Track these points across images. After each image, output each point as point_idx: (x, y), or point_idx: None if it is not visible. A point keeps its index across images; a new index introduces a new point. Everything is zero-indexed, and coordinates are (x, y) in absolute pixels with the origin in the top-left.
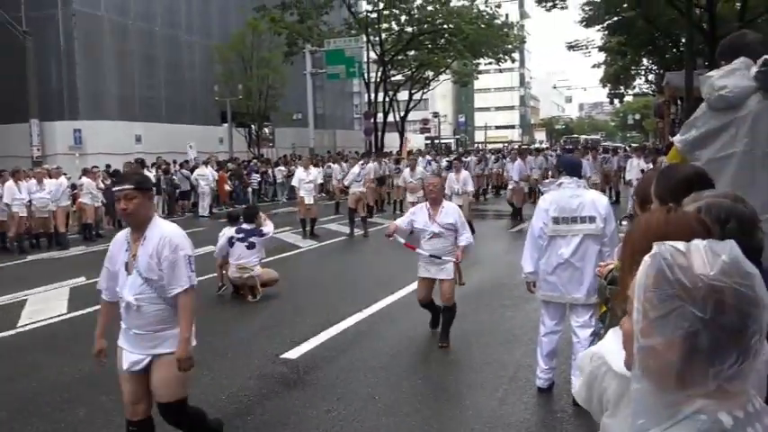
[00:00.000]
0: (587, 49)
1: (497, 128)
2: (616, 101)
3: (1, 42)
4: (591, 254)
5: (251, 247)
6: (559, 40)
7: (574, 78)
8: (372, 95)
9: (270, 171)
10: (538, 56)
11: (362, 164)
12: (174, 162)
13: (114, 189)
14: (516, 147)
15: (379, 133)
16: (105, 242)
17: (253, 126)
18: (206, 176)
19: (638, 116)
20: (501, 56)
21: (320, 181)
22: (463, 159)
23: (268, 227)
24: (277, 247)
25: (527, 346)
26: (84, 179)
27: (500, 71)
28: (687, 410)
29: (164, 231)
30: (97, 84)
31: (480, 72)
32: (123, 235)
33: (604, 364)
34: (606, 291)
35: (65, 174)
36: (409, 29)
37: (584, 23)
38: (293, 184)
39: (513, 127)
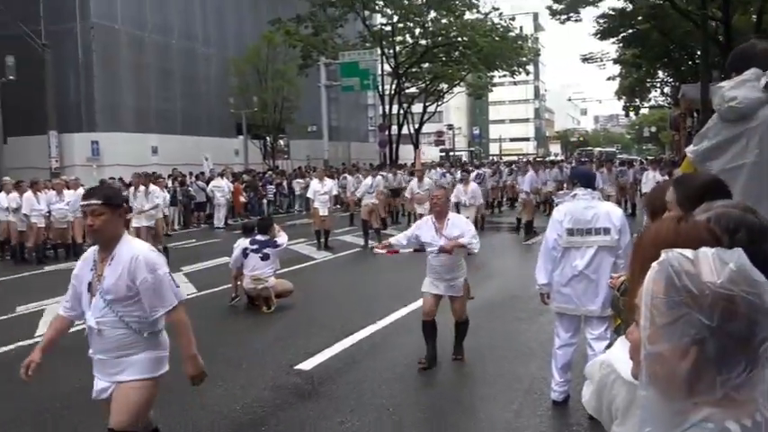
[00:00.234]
0: (602, 61)
1: (512, 140)
2: (631, 113)
3: (20, 55)
4: (605, 266)
5: (265, 258)
6: (574, 53)
7: (589, 91)
8: (387, 108)
9: (284, 183)
10: (552, 68)
11: (375, 175)
12: (191, 174)
13: (81, 204)
14: (526, 159)
15: (394, 145)
16: None
17: (268, 138)
18: (221, 188)
19: (653, 128)
20: (515, 68)
21: (335, 192)
22: (479, 171)
23: (282, 238)
24: (291, 258)
25: (542, 359)
26: None
27: (514, 84)
28: (694, 418)
29: (135, 251)
30: (114, 96)
31: (495, 85)
32: (91, 252)
33: (613, 372)
34: (620, 302)
35: (82, 185)
36: (423, 41)
37: (599, 36)
38: (308, 195)
39: (527, 139)
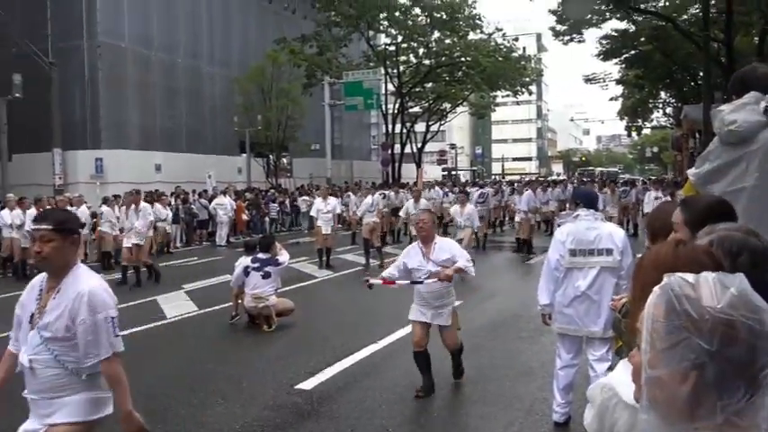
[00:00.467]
0: (605, 82)
1: (514, 160)
2: (634, 133)
3: (27, 73)
4: (608, 287)
5: (266, 276)
6: (577, 73)
7: (591, 111)
8: (390, 127)
9: (287, 201)
10: (555, 88)
11: (379, 194)
12: (194, 192)
13: (32, 227)
14: (527, 179)
15: (397, 164)
16: None
17: (271, 156)
18: (224, 206)
19: (656, 149)
20: (518, 88)
21: (338, 211)
22: (483, 190)
23: (283, 256)
24: (293, 276)
25: (543, 380)
26: (105, 208)
27: (517, 103)
28: None
29: (81, 287)
30: (119, 114)
31: (497, 104)
32: (39, 280)
33: (615, 395)
34: (621, 324)
35: (86, 202)
36: (427, 61)
37: (602, 57)
38: (312, 214)
39: (530, 159)
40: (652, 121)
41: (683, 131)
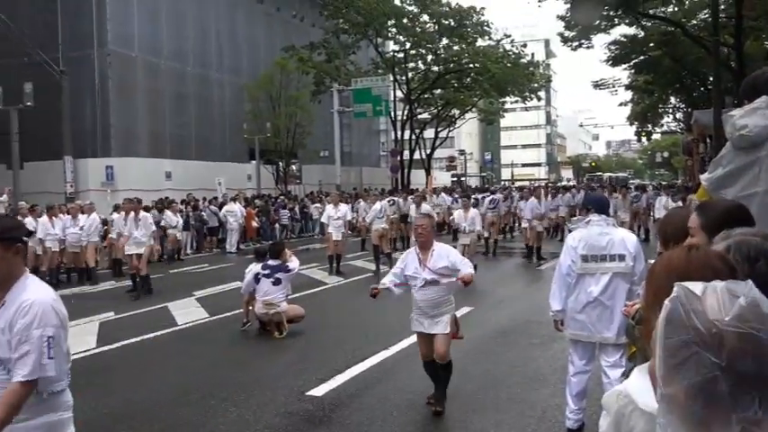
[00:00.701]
0: (614, 87)
1: (524, 165)
2: (644, 139)
3: (38, 82)
4: (620, 292)
5: (277, 283)
6: (586, 79)
7: (601, 116)
8: (399, 133)
9: (296, 208)
10: (564, 94)
11: (389, 201)
12: (204, 199)
13: None
14: (531, 186)
15: (406, 170)
16: None
17: (280, 163)
18: (234, 213)
19: (666, 154)
20: (527, 94)
21: (349, 217)
22: (494, 196)
23: (293, 263)
24: (303, 283)
25: (555, 386)
26: (115, 215)
27: (526, 109)
28: None
29: (25, 298)
30: (129, 122)
31: (506, 110)
32: None
33: (631, 402)
34: (635, 330)
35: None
36: (435, 68)
37: (611, 62)
38: (323, 220)
39: (539, 165)
40: (662, 126)
41: (693, 136)
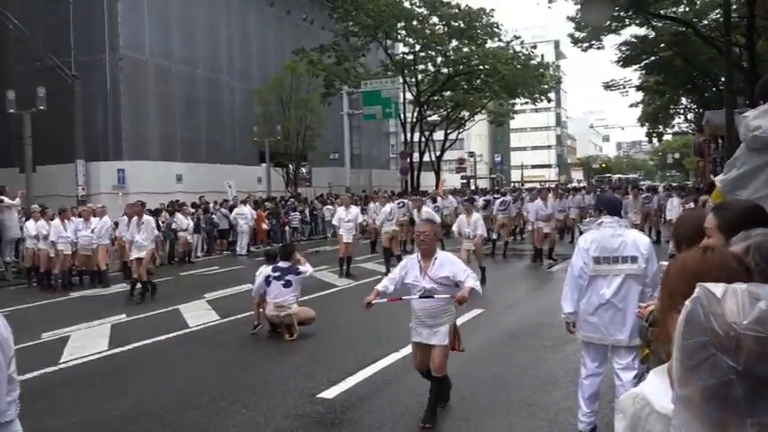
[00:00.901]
0: (624, 88)
1: (534, 167)
2: (655, 140)
3: (51, 86)
4: (633, 294)
5: (287, 285)
6: (596, 80)
7: (611, 117)
8: (408, 135)
9: (306, 210)
10: (574, 95)
11: (399, 204)
12: (215, 202)
13: None
14: (538, 187)
15: (415, 173)
16: None
17: (290, 165)
18: (245, 215)
19: (677, 155)
20: (537, 96)
21: (360, 220)
22: (504, 198)
23: (305, 266)
24: (313, 285)
25: (567, 389)
26: (126, 218)
27: (536, 111)
28: None
29: None
30: (140, 125)
31: (516, 112)
32: None
33: (648, 405)
34: (648, 332)
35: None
36: (445, 70)
37: (621, 63)
38: (333, 222)
39: (549, 166)
40: (673, 127)
41: (705, 137)
